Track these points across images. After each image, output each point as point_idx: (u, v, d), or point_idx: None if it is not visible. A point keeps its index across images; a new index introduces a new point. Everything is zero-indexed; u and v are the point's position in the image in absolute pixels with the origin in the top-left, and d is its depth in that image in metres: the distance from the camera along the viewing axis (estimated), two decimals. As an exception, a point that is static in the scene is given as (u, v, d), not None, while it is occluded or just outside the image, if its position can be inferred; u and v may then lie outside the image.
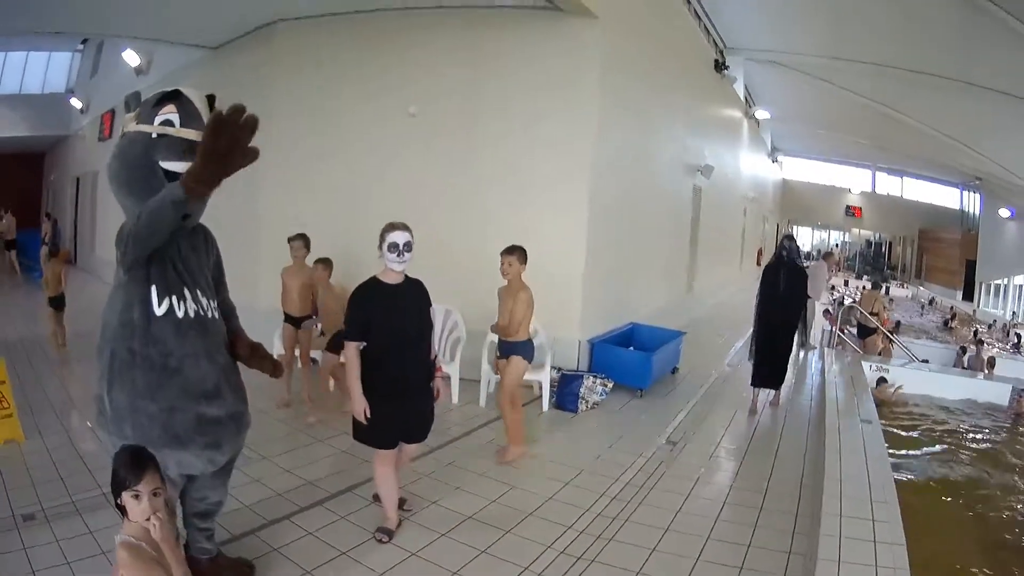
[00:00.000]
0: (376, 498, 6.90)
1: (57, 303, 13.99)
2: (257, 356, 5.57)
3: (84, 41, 28.97)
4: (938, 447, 10.68)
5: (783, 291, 11.30)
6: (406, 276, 6.38)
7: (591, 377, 11.17)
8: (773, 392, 11.70)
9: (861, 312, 18.78)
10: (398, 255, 6.14)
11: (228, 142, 4.18)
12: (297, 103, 13.72)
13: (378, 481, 6.46)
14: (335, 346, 9.80)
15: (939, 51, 21.67)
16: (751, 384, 11.55)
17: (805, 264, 12.50)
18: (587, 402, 10.86)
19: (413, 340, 6.35)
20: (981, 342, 20.03)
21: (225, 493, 5.56)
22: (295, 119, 13.54)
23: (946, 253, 50.06)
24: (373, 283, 6.29)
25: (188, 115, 4.85)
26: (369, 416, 6.06)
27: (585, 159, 11.98)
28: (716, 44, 25.37)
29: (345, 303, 6.33)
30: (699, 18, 22.70)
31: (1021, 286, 39.53)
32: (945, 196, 52.94)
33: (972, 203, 49.86)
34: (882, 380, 13.03)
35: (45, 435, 8.68)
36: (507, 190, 12.25)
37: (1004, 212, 39.66)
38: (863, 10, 20.76)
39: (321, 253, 10.20)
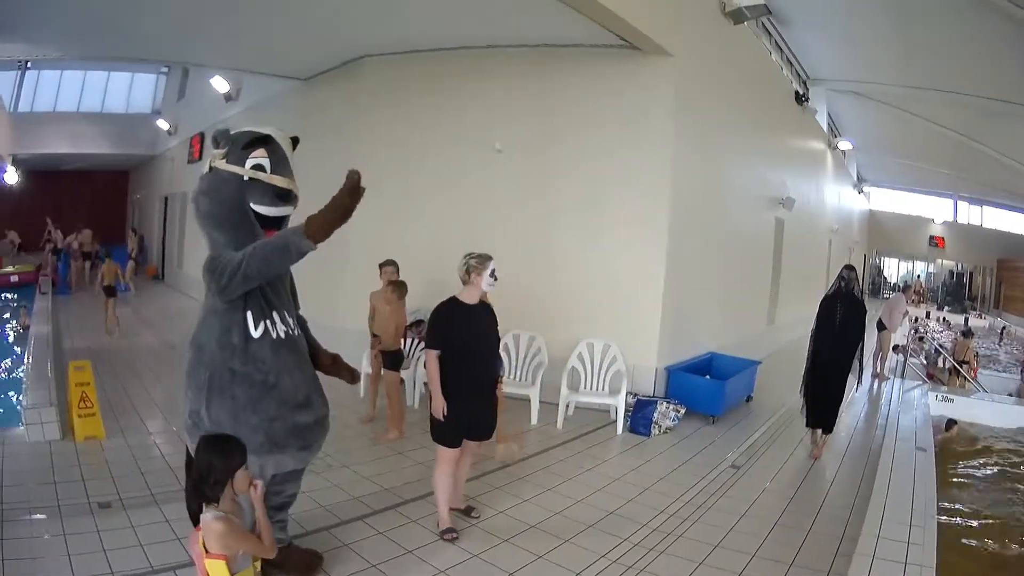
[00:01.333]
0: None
1: (109, 292, 16.36)
2: (337, 365, 6.32)
3: (168, 66, 29.90)
4: (993, 481, 10.66)
5: (839, 325, 10.38)
6: (480, 299, 7.10)
7: (664, 403, 11.42)
8: (822, 434, 10.64)
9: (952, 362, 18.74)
10: (495, 279, 6.97)
11: (356, 203, 4.96)
12: (381, 134, 14.22)
13: (436, 479, 7.07)
14: (395, 364, 10.49)
15: (1014, 78, 21.47)
16: (805, 424, 10.80)
17: (884, 296, 12.52)
18: (660, 427, 11.20)
19: (483, 352, 7.11)
20: None
21: (299, 487, 6.15)
22: (378, 149, 14.08)
23: (1023, 282, 49.13)
24: (453, 302, 7.02)
25: (278, 160, 5.53)
26: (445, 415, 6.76)
27: (661, 192, 12.24)
28: (799, 75, 25.45)
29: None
30: (780, 50, 22.79)
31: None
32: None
33: None
34: (951, 423, 12.92)
35: (127, 434, 9.43)
36: (587, 222, 12.62)
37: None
38: (938, 38, 20.65)
39: (408, 278, 10.71)
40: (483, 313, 7.17)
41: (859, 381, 10.99)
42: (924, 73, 23.66)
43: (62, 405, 9.34)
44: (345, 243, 12.92)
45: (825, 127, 28.95)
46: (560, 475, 9.02)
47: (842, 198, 36.46)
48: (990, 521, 8.84)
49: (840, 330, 10.38)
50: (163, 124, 30.83)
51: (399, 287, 10.37)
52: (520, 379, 11.92)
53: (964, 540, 8.18)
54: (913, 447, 9.82)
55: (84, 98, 33.81)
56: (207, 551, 4.22)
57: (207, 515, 4.27)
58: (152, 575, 5.74)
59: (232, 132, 5.66)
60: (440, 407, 6.77)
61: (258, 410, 5.30)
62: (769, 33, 21.04)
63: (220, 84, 21.45)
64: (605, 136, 12.53)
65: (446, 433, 6.93)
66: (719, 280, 15.34)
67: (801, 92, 22.65)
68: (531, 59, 12.94)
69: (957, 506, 9.23)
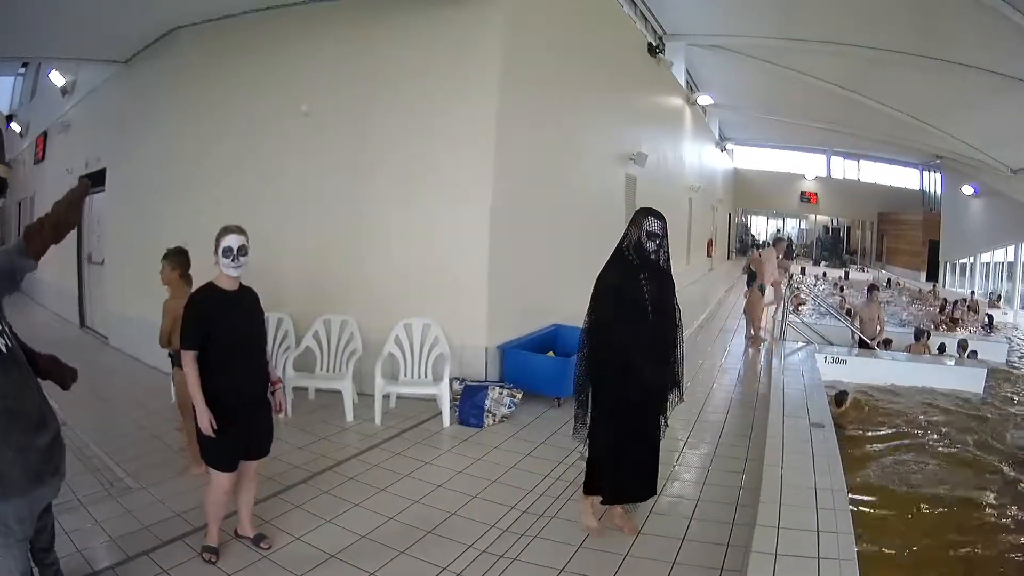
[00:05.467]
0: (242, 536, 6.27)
1: None
2: (59, 368, 5.29)
3: (25, 64, 28.30)
4: (900, 453, 10.03)
5: (654, 316, 6.12)
6: (240, 283, 5.99)
7: (496, 388, 10.07)
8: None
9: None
10: (232, 260, 5.78)
11: (77, 217, 4.81)
12: (203, 111, 12.96)
13: (207, 500, 5.94)
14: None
15: (898, 26, 21.06)
16: (588, 491, 6.56)
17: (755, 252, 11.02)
18: (494, 415, 9.78)
19: (250, 350, 5.97)
20: (920, 333, 18.72)
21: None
22: (200, 127, 12.89)
23: (907, 235, 50.19)
24: (211, 289, 5.88)
25: None
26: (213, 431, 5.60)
27: (485, 151, 10.99)
28: (655, 31, 24.91)
29: None
30: (634, 3, 22.15)
31: (988, 263, 38.94)
32: (904, 177, 53.40)
33: (933, 183, 50.10)
34: (843, 396, 11.53)
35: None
36: (404, 190, 11.34)
37: (967, 190, 39.31)
38: None
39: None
40: (246, 301, 6.03)
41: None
42: (801, 25, 23.54)
43: None
44: (156, 234, 11.74)
45: (683, 83, 28.91)
46: (375, 484, 7.68)
47: (704, 156, 36.00)
48: (907, 499, 8.46)
49: (658, 325, 6.18)
50: (16, 127, 29.67)
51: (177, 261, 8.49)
52: (331, 370, 10.52)
53: (882, 524, 7.69)
54: (807, 423, 8.48)
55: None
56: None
57: None
58: None
59: None
60: (207, 421, 5.54)
61: (10, 443, 4.36)
62: None
63: (57, 78, 19.83)
64: (424, 94, 11.27)
65: (217, 453, 5.75)
66: (561, 244, 13.97)
67: (655, 44, 21.82)
68: (346, 13, 11.64)
69: (865, 485, 8.63)
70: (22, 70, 29.99)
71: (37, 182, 24.34)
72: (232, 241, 5.75)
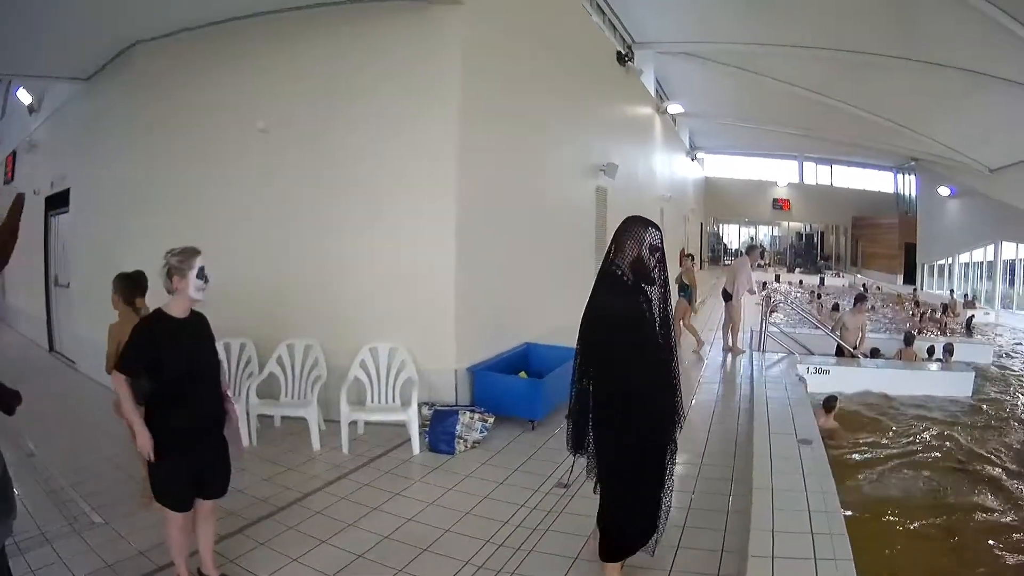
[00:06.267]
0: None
1: None
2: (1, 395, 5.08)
3: None
4: (891, 464, 9.83)
5: (652, 345, 5.44)
6: (192, 309, 5.64)
7: (467, 412, 9.62)
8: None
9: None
10: (205, 282, 5.53)
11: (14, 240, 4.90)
12: (161, 129, 12.45)
13: (168, 542, 5.63)
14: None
15: (872, 27, 20.90)
16: (611, 557, 5.62)
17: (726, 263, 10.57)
18: (465, 441, 9.40)
19: (202, 382, 5.60)
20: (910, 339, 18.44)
21: None
22: (158, 146, 12.45)
23: (883, 238, 50.44)
24: (160, 317, 5.52)
25: None
26: (158, 467, 5.35)
27: (447, 165, 10.65)
28: (623, 39, 24.72)
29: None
30: (602, 12, 21.98)
31: (967, 264, 38.80)
32: (878, 181, 53.99)
33: (908, 185, 50.57)
34: (831, 401, 11.06)
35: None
36: (367, 208, 10.99)
37: (944, 191, 39.36)
38: None
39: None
40: (197, 329, 5.68)
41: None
42: (772, 29, 23.40)
43: None
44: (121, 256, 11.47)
45: (653, 91, 28.91)
46: (342, 518, 7.29)
47: (675, 166, 35.96)
48: (899, 510, 8.28)
49: (662, 348, 5.49)
50: None
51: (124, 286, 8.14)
52: (297, 396, 10.17)
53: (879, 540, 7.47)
54: (795, 439, 8.16)
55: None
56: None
57: None
58: None
59: None
60: (147, 442, 5.23)
61: None
62: None
63: (24, 96, 19.44)
64: (385, 107, 10.92)
65: (168, 491, 5.43)
66: (531, 259, 13.66)
67: (624, 52, 21.62)
68: (303, 26, 11.24)
69: (859, 502, 8.36)
70: (-8, 88, 29.50)
71: (5, 202, 23.48)
72: (202, 262, 5.49)
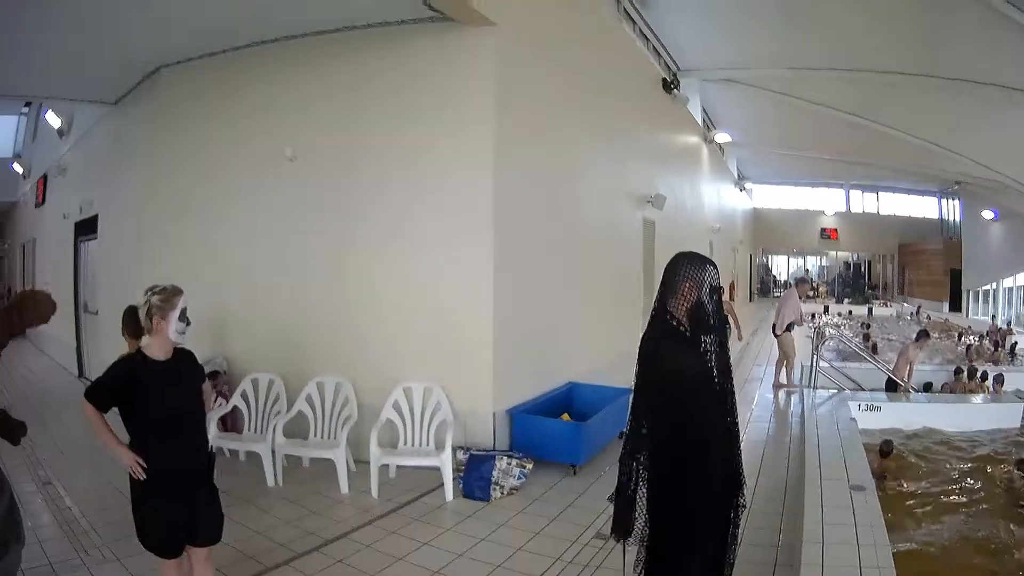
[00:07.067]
0: None
1: None
2: (6, 422, 5.49)
3: (28, 104, 28.38)
4: (945, 506, 9.25)
5: (720, 388, 4.64)
6: (175, 347, 5.39)
7: (504, 458, 9.18)
8: None
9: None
10: (187, 324, 5.34)
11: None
12: (185, 155, 12.53)
13: None
14: None
15: (909, 46, 20.53)
16: None
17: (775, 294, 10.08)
18: (502, 488, 8.94)
19: (183, 427, 5.30)
20: (960, 370, 17.89)
21: None
22: (182, 172, 12.48)
23: (928, 265, 49.68)
24: (139, 360, 5.24)
25: None
26: (139, 511, 5.12)
27: (483, 195, 10.11)
28: (668, 67, 24.57)
29: None
30: (646, 38, 21.74)
31: (1011, 288, 38.20)
32: (923, 207, 53.36)
33: (952, 210, 49.87)
34: (888, 445, 10.61)
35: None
36: (399, 240, 10.53)
37: (987, 214, 39.08)
38: (821, 12, 19.77)
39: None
40: (181, 371, 5.35)
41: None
42: (809, 53, 23.22)
43: None
44: (146, 283, 11.35)
45: (700, 120, 28.45)
46: (364, 568, 6.87)
47: (723, 196, 35.40)
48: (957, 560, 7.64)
49: (726, 397, 4.69)
50: (18, 168, 29.85)
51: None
52: (326, 436, 9.80)
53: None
54: (847, 485, 7.59)
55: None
56: None
57: None
58: None
59: None
60: (131, 460, 5.02)
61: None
62: (632, 20, 20.11)
63: (53, 120, 19.93)
64: (417, 132, 10.44)
65: (151, 535, 5.14)
66: (574, 294, 13.12)
67: (670, 79, 21.24)
68: (329, 48, 11.00)
69: (910, 553, 7.58)
70: (25, 109, 30.12)
71: (38, 226, 24.38)
72: (184, 302, 5.28)
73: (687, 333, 4.51)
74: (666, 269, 4.66)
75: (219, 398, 9.91)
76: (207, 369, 9.44)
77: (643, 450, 4.55)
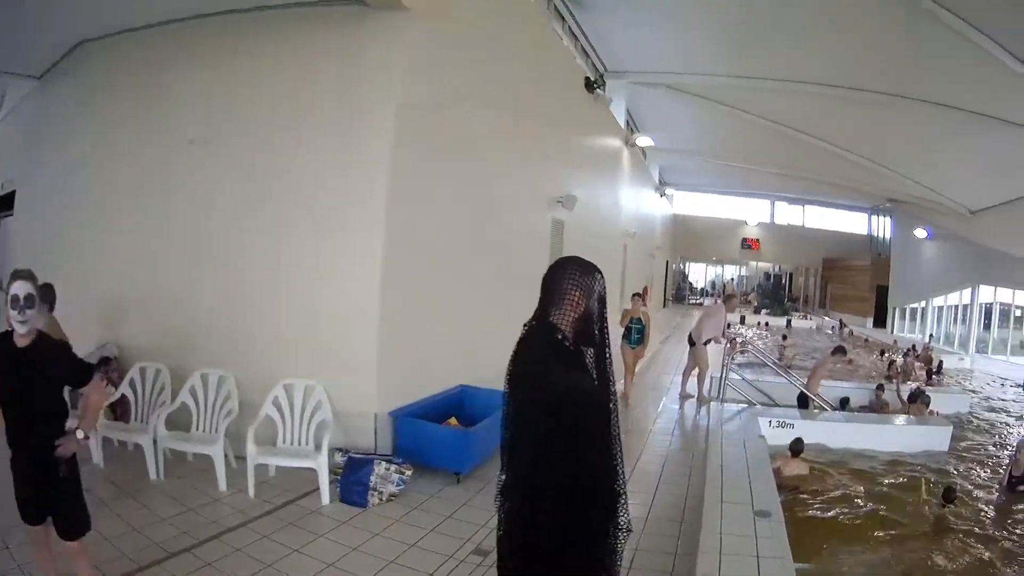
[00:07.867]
0: None
1: None
2: None
3: None
4: (858, 533, 8.98)
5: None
6: (39, 334, 5.34)
7: (383, 463, 8.86)
8: None
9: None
10: (19, 312, 5.13)
11: None
12: (97, 133, 12.23)
13: None
14: None
15: (856, 62, 20.53)
16: None
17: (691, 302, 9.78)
18: (380, 494, 8.63)
19: (23, 413, 5.27)
20: (881, 386, 17.76)
21: None
22: (98, 151, 12.11)
23: (854, 280, 50.45)
24: (6, 340, 5.25)
25: None
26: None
27: (378, 186, 9.89)
28: (595, 67, 24.72)
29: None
30: (575, 36, 21.84)
31: (940, 307, 38.67)
32: (852, 222, 54.32)
33: (882, 227, 50.69)
34: (798, 443, 10.58)
35: None
36: (291, 230, 10.26)
37: (921, 233, 39.26)
38: (770, 24, 19.58)
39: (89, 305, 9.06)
40: (32, 360, 5.21)
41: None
42: (756, 63, 23.03)
43: None
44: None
45: (623, 122, 28.41)
46: (232, 573, 6.63)
47: (642, 200, 35.59)
48: None
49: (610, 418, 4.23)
50: None
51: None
52: (207, 431, 9.42)
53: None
54: (751, 511, 7.26)
55: None
56: None
57: None
58: None
59: None
60: None
61: None
62: (563, 18, 20.30)
63: None
64: (317, 123, 10.17)
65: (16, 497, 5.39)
66: (473, 295, 12.95)
67: (593, 79, 21.22)
68: (241, 28, 10.66)
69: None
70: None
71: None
72: (18, 288, 5.10)
73: (571, 347, 4.07)
74: (548, 275, 4.24)
75: (108, 385, 9.23)
76: (99, 355, 9.55)
77: (542, 471, 3.99)
